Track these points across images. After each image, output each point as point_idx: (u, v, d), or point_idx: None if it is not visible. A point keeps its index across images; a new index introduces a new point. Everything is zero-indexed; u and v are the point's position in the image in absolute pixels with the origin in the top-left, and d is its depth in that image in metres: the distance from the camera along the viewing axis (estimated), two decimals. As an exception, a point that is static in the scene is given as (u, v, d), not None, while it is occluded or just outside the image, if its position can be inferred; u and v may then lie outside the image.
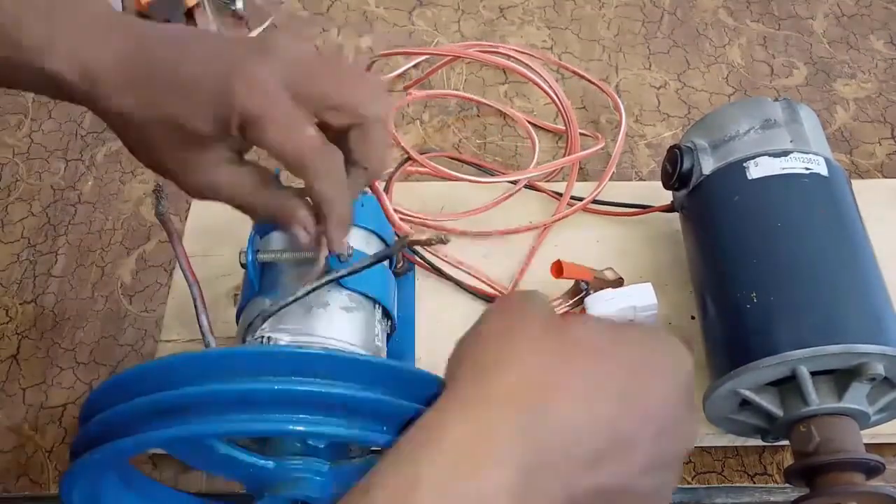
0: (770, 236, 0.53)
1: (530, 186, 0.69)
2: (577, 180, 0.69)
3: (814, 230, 0.53)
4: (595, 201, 0.68)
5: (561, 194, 0.68)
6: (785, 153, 0.56)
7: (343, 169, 0.41)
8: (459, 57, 0.76)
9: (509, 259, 0.65)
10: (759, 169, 0.55)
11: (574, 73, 0.77)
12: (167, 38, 0.40)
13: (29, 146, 0.76)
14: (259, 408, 0.35)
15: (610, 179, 0.73)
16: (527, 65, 0.74)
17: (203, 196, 0.42)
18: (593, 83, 0.76)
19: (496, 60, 0.76)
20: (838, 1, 0.87)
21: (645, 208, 0.66)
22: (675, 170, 0.59)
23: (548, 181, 0.70)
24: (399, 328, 0.56)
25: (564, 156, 0.70)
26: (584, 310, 0.58)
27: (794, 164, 0.55)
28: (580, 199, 0.68)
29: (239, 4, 0.85)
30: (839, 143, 0.75)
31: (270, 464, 0.42)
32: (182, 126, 0.38)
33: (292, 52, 0.39)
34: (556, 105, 0.73)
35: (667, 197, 0.64)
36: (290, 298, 0.44)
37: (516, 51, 0.77)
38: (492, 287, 0.60)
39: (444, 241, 0.39)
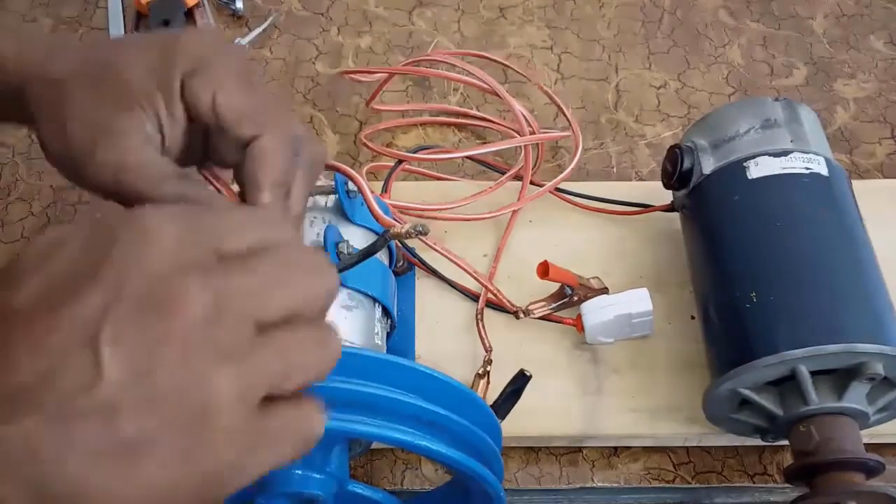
0: (770, 236, 0.53)
1: (534, 184, 0.69)
2: (576, 180, 0.69)
3: (814, 230, 0.53)
4: (593, 198, 0.67)
5: (561, 190, 0.68)
6: (785, 153, 0.56)
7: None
8: (394, 74, 0.76)
9: (508, 257, 0.65)
10: (759, 169, 0.55)
11: (495, 61, 0.77)
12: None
13: (29, 146, 0.76)
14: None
15: (609, 179, 0.73)
16: (453, 65, 0.74)
17: (103, 185, 0.38)
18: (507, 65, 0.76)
19: (426, 71, 0.76)
20: (838, 1, 0.87)
21: (645, 208, 0.66)
22: (676, 169, 0.59)
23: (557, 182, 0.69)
24: (399, 326, 0.56)
25: (573, 156, 0.70)
26: (579, 316, 0.59)
27: (794, 164, 0.55)
28: (574, 194, 0.68)
29: (239, 4, 0.85)
30: (839, 143, 0.75)
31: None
32: (118, 78, 0.37)
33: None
34: (495, 94, 0.72)
35: (667, 197, 0.65)
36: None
37: (444, 54, 0.77)
38: (478, 280, 0.60)
39: (423, 232, 0.39)
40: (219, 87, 0.37)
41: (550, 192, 0.68)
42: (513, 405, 0.53)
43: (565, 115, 0.72)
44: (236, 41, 0.82)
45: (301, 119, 0.77)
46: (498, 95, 0.71)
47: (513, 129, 0.73)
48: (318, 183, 0.51)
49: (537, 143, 0.71)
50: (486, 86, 0.71)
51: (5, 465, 0.23)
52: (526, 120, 0.70)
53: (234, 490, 0.27)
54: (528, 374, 0.53)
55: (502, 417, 0.53)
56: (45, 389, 0.24)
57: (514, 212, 0.67)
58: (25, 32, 0.43)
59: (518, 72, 0.76)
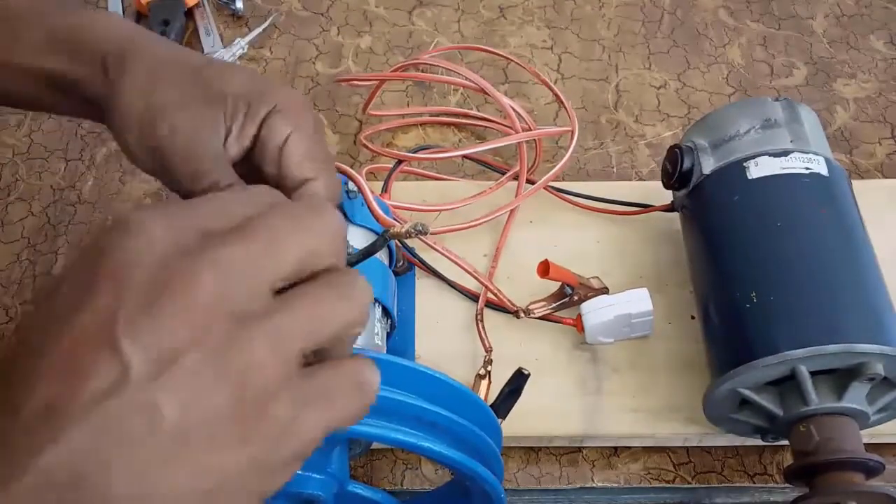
0: (770, 236, 0.53)
1: (529, 181, 0.69)
2: (576, 180, 0.69)
3: (814, 230, 0.53)
4: (593, 198, 0.67)
5: (560, 190, 0.68)
6: (785, 153, 0.56)
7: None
8: (385, 80, 0.76)
9: (508, 257, 0.65)
10: (759, 169, 0.55)
11: (492, 52, 0.78)
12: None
13: (29, 146, 0.76)
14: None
15: (609, 179, 0.73)
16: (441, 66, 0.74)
17: (168, 151, 0.42)
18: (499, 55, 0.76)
19: (416, 75, 0.76)
20: (838, 1, 0.87)
21: (645, 208, 0.67)
22: (676, 169, 0.59)
23: (556, 181, 0.69)
24: (399, 326, 0.56)
25: (569, 144, 0.70)
26: (579, 316, 0.59)
27: (794, 164, 0.55)
28: (574, 194, 0.68)
29: (239, 4, 0.85)
30: (839, 143, 0.75)
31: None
32: (216, 79, 0.42)
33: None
34: (482, 91, 0.72)
35: (667, 197, 0.65)
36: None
37: (436, 54, 0.78)
38: (478, 280, 0.60)
39: (423, 232, 0.39)
40: (296, 130, 0.42)
41: (551, 192, 0.68)
42: (513, 404, 0.53)
43: (563, 105, 0.72)
44: (236, 41, 0.82)
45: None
46: (488, 94, 0.71)
47: (511, 128, 0.73)
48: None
49: (535, 141, 0.71)
50: (475, 86, 0.71)
51: (54, 495, 0.23)
52: (519, 115, 0.70)
53: (297, 461, 0.26)
54: (526, 372, 0.53)
55: (503, 417, 0.53)
56: (75, 403, 0.23)
57: (512, 211, 0.67)
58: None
59: (516, 62, 0.76)
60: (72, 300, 0.24)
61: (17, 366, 0.24)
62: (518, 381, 0.53)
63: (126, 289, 0.24)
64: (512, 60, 0.76)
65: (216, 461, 0.24)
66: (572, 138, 0.69)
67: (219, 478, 0.24)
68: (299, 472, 0.42)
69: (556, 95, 0.73)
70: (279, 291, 0.26)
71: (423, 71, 0.77)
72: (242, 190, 0.36)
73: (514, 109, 0.70)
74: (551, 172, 0.67)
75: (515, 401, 0.54)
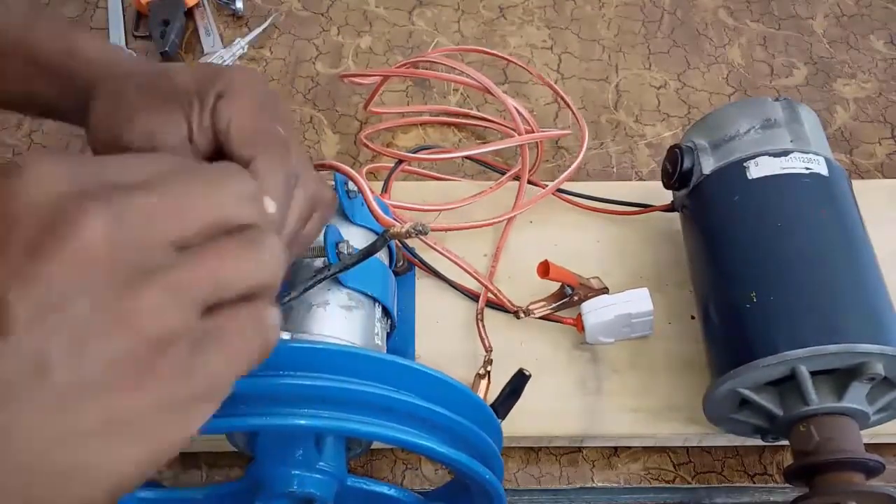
0: (770, 236, 0.53)
1: (531, 182, 0.69)
2: (576, 180, 0.69)
3: (814, 230, 0.53)
4: (593, 198, 0.67)
5: (561, 190, 0.68)
6: (785, 153, 0.56)
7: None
8: (389, 77, 0.75)
9: (508, 257, 0.65)
10: (759, 169, 0.55)
11: (493, 55, 0.78)
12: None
13: (29, 146, 0.76)
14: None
15: (609, 179, 0.73)
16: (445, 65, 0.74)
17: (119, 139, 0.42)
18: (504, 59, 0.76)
19: (422, 72, 0.76)
20: (838, 1, 0.87)
21: (645, 208, 0.66)
22: (676, 169, 0.59)
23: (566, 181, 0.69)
24: (399, 326, 0.56)
25: (579, 151, 0.70)
26: (579, 316, 0.59)
27: (794, 164, 0.55)
28: (574, 194, 0.68)
29: (239, 4, 0.85)
30: (839, 143, 0.75)
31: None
32: (170, 82, 0.42)
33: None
34: (485, 91, 0.72)
35: (667, 197, 0.65)
36: (286, 298, 0.45)
37: (438, 53, 0.78)
38: (478, 280, 0.60)
39: (423, 232, 0.39)
40: (238, 111, 0.41)
41: (550, 192, 0.68)
42: (512, 405, 0.53)
43: (569, 107, 0.72)
44: (236, 41, 0.82)
45: (300, 118, 0.77)
46: (492, 94, 0.71)
47: (512, 129, 0.73)
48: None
49: (536, 143, 0.71)
50: (479, 85, 0.71)
51: None
52: (522, 117, 0.70)
53: (206, 403, 0.26)
54: (527, 373, 0.53)
55: (502, 417, 0.53)
56: None
57: (510, 219, 0.67)
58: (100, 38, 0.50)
59: (518, 64, 0.76)
60: None
61: None
62: (519, 381, 0.53)
63: (12, 233, 0.23)
64: (515, 63, 0.76)
65: (115, 405, 0.24)
66: (582, 144, 0.69)
67: (122, 421, 0.24)
68: (297, 472, 0.42)
69: (566, 103, 0.73)
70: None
71: (426, 69, 0.77)
72: (156, 154, 0.38)
73: (517, 111, 0.70)
74: (561, 177, 0.67)
75: (515, 401, 0.53)
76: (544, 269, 0.58)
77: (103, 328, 0.23)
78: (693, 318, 0.61)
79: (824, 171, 0.55)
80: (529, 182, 0.68)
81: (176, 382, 0.25)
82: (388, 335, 0.54)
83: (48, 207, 0.23)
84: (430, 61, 0.75)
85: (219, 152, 0.43)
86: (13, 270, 0.22)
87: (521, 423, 0.55)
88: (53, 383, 0.23)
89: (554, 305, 0.60)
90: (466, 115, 0.77)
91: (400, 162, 0.68)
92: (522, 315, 0.59)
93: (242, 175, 0.28)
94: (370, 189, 0.53)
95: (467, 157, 0.71)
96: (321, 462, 0.43)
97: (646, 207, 0.66)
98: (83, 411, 0.23)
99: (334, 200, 0.46)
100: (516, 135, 0.70)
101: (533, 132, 0.71)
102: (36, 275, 0.22)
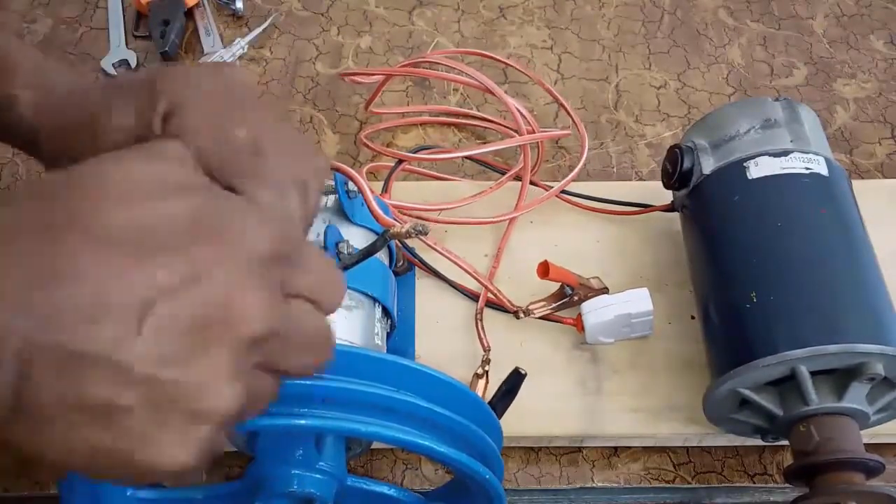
0: (770, 236, 0.53)
1: (532, 183, 0.69)
2: (576, 180, 0.69)
3: (814, 230, 0.53)
4: (593, 198, 0.67)
5: (561, 191, 0.68)
6: (785, 153, 0.56)
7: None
8: (391, 77, 0.75)
9: (508, 257, 0.65)
10: (759, 169, 0.55)
11: (494, 59, 0.78)
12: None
13: (29, 146, 0.76)
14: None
15: (609, 179, 0.73)
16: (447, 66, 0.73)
17: None
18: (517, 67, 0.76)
19: (424, 72, 0.76)
20: (838, 1, 0.87)
21: (645, 208, 0.66)
22: (676, 169, 0.59)
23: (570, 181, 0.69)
24: (399, 326, 0.56)
25: (581, 156, 0.70)
26: (579, 316, 0.59)
27: (794, 164, 0.55)
28: (574, 194, 0.68)
29: (239, 4, 0.85)
30: (839, 143, 0.75)
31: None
32: (105, 126, 0.37)
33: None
34: (486, 91, 0.72)
35: (667, 197, 0.65)
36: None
37: (441, 54, 0.77)
38: (478, 280, 0.60)
39: (423, 232, 0.39)
40: (193, 134, 0.35)
41: (554, 194, 0.68)
42: (509, 404, 0.54)
43: (568, 113, 0.72)
44: (236, 41, 0.82)
45: (300, 118, 0.77)
46: (494, 94, 0.71)
47: (513, 129, 0.73)
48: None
49: (537, 143, 0.71)
50: (480, 85, 0.71)
51: None
52: (524, 118, 0.70)
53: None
54: (522, 372, 0.53)
55: (499, 416, 0.53)
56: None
57: (511, 219, 0.67)
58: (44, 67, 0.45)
59: (516, 68, 0.76)
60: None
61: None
62: (515, 380, 0.53)
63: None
64: (514, 67, 0.76)
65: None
66: (583, 149, 0.69)
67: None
68: (297, 472, 0.42)
69: (566, 110, 0.73)
70: None
71: (426, 69, 0.77)
72: None
73: (518, 111, 0.70)
74: (565, 180, 0.67)
75: (512, 400, 0.54)
76: (544, 270, 0.58)
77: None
78: (693, 318, 0.61)
79: (824, 171, 0.55)
80: (530, 182, 0.68)
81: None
82: (388, 335, 0.54)
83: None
84: (430, 62, 0.75)
85: None
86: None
87: (521, 423, 0.55)
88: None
89: (554, 305, 0.60)
90: (466, 115, 0.77)
91: (400, 162, 0.68)
92: (522, 315, 0.59)
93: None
94: (370, 189, 0.53)
95: (467, 157, 0.71)
96: (321, 462, 0.43)
97: (646, 207, 0.66)
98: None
99: (327, 163, 0.45)
100: (517, 135, 0.70)
101: (533, 132, 0.71)
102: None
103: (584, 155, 0.69)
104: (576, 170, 0.67)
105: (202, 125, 0.35)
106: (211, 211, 0.28)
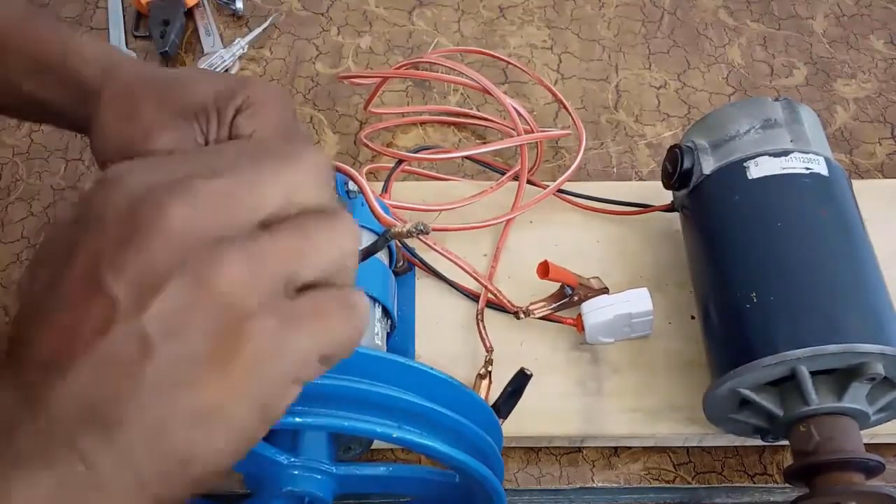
0: (770, 236, 0.53)
1: (531, 183, 0.69)
2: (576, 180, 0.69)
3: (814, 230, 0.53)
4: (593, 198, 0.67)
5: (561, 190, 0.68)
6: (785, 153, 0.56)
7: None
8: (388, 78, 0.75)
9: (508, 257, 0.65)
10: (759, 169, 0.55)
11: (492, 56, 0.77)
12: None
13: (29, 146, 0.76)
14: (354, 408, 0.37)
15: (609, 179, 0.73)
16: (447, 66, 0.74)
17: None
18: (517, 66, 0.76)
19: (421, 73, 0.76)
20: (838, 1, 0.87)
21: (645, 208, 0.66)
22: (676, 169, 0.59)
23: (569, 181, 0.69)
24: (399, 326, 0.56)
25: (577, 153, 0.70)
26: (579, 316, 0.59)
27: (794, 164, 0.55)
28: (574, 194, 0.68)
29: (239, 4, 0.85)
30: (839, 143, 0.75)
31: (283, 459, 0.42)
32: (185, 90, 0.42)
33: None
34: (485, 92, 0.72)
35: (667, 197, 0.65)
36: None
37: (438, 54, 0.77)
38: (478, 280, 0.60)
39: (424, 232, 0.39)
40: (258, 128, 0.41)
41: (550, 193, 0.68)
42: (514, 404, 0.53)
43: (568, 111, 0.72)
44: (236, 41, 0.82)
45: (303, 120, 0.77)
46: (492, 95, 0.71)
47: (512, 129, 0.73)
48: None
49: (536, 143, 0.71)
50: (479, 86, 0.71)
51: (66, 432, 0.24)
52: (521, 117, 0.70)
53: (293, 383, 0.26)
54: (528, 372, 0.53)
55: (504, 417, 0.53)
56: (75, 344, 0.24)
57: (509, 220, 0.67)
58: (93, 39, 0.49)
59: (517, 66, 0.76)
60: (60, 255, 0.25)
61: (22, 323, 0.25)
62: (520, 381, 0.53)
63: (105, 230, 0.25)
64: (515, 65, 0.76)
65: (210, 380, 0.25)
66: (580, 146, 0.69)
67: (215, 399, 0.25)
68: (296, 473, 0.42)
69: (565, 107, 0.72)
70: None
71: (426, 70, 0.77)
72: (231, 142, 0.39)
73: (516, 111, 0.70)
74: (560, 179, 0.67)
75: (517, 401, 0.54)
76: (544, 270, 0.58)
77: (194, 305, 0.24)
78: (693, 318, 0.61)
79: (824, 171, 0.55)
80: (529, 182, 0.68)
81: (267, 360, 0.25)
82: (388, 335, 0.54)
83: (131, 204, 0.25)
84: (430, 62, 0.75)
85: None
86: (108, 264, 0.24)
87: (521, 423, 0.55)
88: (156, 363, 0.24)
89: (554, 305, 0.60)
90: (466, 115, 0.77)
91: (400, 162, 0.68)
92: (522, 315, 0.59)
93: (316, 151, 0.28)
94: (370, 189, 0.53)
95: (467, 157, 0.71)
96: (319, 461, 0.43)
97: (646, 207, 0.66)
98: (179, 390, 0.24)
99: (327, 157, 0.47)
100: (516, 135, 0.70)
101: (533, 132, 0.71)
102: (131, 263, 0.24)
103: (581, 153, 0.69)
104: (571, 168, 0.67)
105: (272, 122, 0.42)
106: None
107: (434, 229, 0.63)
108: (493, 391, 0.56)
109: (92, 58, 0.46)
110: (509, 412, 0.53)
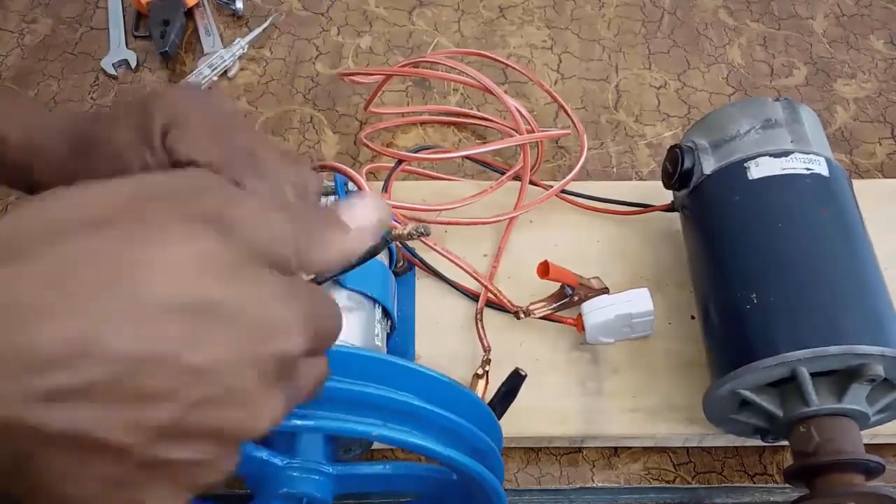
0: (770, 236, 0.53)
1: (532, 183, 0.69)
2: (576, 180, 0.69)
3: (814, 230, 0.53)
4: (593, 198, 0.67)
5: (561, 190, 0.68)
6: (786, 153, 0.56)
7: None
8: (391, 76, 0.75)
9: (508, 257, 0.65)
10: (759, 169, 0.55)
11: (493, 59, 0.77)
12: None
13: (29, 146, 0.76)
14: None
15: (609, 179, 0.73)
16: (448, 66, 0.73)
17: None
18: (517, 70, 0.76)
19: (423, 72, 0.75)
20: (838, 1, 0.87)
21: (645, 208, 0.66)
22: (676, 169, 0.59)
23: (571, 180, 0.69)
24: (399, 326, 0.56)
25: (580, 156, 0.70)
26: (579, 316, 0.59)
27: (794, 165, 0.55)
28: (574, 194, 0.68)
29: (239, 4, 0.85)
30: (839, 143, 0.75)
31: (278, 461, 0.42)
32: (106, 145, 0.40)
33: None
34: (486, 91, 0.72)
35: (667, 197, 0.65)
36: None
37: (441, 55, 0.77)
38: (478, 280, 0.60)
39: (425, 233, 0.39)
40: (192, 141, 0.39)
41: (553, 194, 0.68)
42: (508, 405, 0.53)
43: (567, 114, 0.72)
44: (236, 41, 0.82)
45: (300, 118, 0.77)
46: (493, 94, 0.71)
47: (513, 129, 0.73)
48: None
49: (537, 143, 0.71)
50: (479, 85, 0.71)
51: None
52: (523, 117, 0.70)
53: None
54: (522, 373, 0.53)
55: (498, 417, 0.53)
56: None
57: (511, 218, 0.67)
58: (23, 110, 0.46)
59: (516, 69, 0.76)
60: None
61: None
62: (514, 381, 0.53)
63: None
64: (514, 68, 0.76)
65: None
66: (582, 150, 0.69)
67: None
68: (296, 474, 0.42)
69: (566, 111, 0.73)
70: None
71: (426, 69, 0.77)
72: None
73: (518, 111, 0.70)
74: (564, 180, 0.67)
75: (511, 401, 0.53)
76: (544, 270, 0.58)
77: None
78: (693, 318, 0.61)
79: (825, 171, 0.55)
80: (530, 182, 0.68)
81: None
82: (388, 336, 0.54)
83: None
84: (430, 62, 0.75)
85: None
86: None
87: (521, 424, 0.55)
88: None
89: (554, 305, 0.60)
90: (466, 115, 0.77)
91: (400, 162, 0.68)
92: (522, 315, 0.59)
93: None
94: (370, 189, 0.53)
95: (467, 157, 0.71)
96: (318, 463, 0.43)
97: (646, 207, 0.66)
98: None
99: (320, 179, 0.45)
100: (516, 134, 0.70)
101: (533, 132, 0.71)
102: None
103: (583, 155, 0.69)
104: (575, 170, 0.67)
105: (202, 136, 0.39)
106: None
107: (436, 223, 0.63)
108: (490, 391, 0.56)
109: (15, 128, 0.44)
110: (503, 412, 0.53)
